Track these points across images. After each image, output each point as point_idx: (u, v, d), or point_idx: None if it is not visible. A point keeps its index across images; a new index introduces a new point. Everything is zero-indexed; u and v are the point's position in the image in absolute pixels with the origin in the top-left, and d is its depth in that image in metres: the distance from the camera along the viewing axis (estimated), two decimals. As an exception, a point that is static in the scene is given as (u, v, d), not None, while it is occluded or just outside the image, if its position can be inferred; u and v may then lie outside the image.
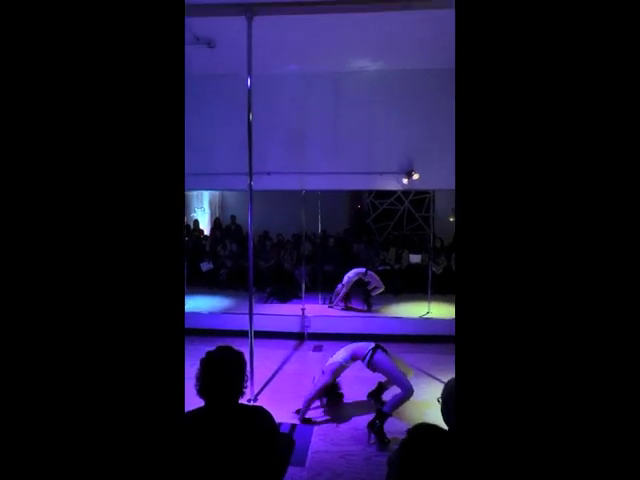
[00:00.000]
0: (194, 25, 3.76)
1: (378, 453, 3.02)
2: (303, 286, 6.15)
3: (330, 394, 3.65)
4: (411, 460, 1.18)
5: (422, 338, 5.31)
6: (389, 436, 3.15)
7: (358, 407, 3.70)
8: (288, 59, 4.87)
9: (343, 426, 3.38)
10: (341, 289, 6.10)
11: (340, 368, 3.52)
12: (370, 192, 7.96)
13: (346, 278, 6.08)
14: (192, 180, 5.30)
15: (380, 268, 7.19)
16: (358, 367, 3.62)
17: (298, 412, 3.49)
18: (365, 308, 6.13)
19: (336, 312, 6.04)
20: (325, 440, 3.19)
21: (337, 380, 3.64)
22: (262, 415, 1.68)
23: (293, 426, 3.37)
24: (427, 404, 3.67)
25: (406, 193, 7.69)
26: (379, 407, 3.35)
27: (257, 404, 3.68)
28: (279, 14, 3.40)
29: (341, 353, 3.56)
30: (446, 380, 1.60)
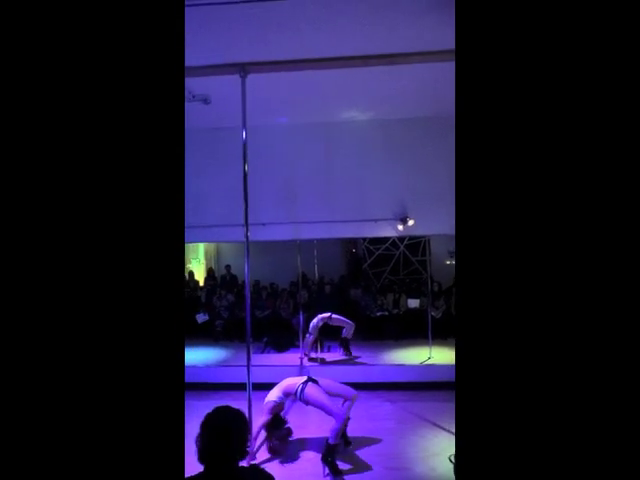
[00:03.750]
0: (190, 84, 3.91)
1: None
2: (301, 335, 6.04)
3: (276, 431, 3.63)
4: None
5: (425, 385, 5.16)
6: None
7: (306, 443, 3.69)
8: (279, 111, 5.03)
9: (347, 484, 3.21)
10: (309, 338, 5.95)
11: (276, 406, 3.59)
12: (365, 238, 8.00)
13: (311, 325, 5.93)
14: (188, 233, 5.32)
15: (378, 314, 7.11)
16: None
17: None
18: (344, 357, 5.94)
19: (335, 361, 5.90)
20: (329, 501, 3.02)
21: (284, 417, 3.69)
22: (262, 478, 1.59)
23: (295, 486, 3.20)
24: (436, 458, 3.52)
25: (401, 238, 7.73)
26: (326, 441, 3.42)
27: (257, 462, 3.52)
28: (271, 72, 3.55)
29: (275, 391, 3.66)
30: (454, 431, 1.54)
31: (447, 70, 3.60)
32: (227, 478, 1.51)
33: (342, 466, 3.41)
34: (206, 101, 3.99)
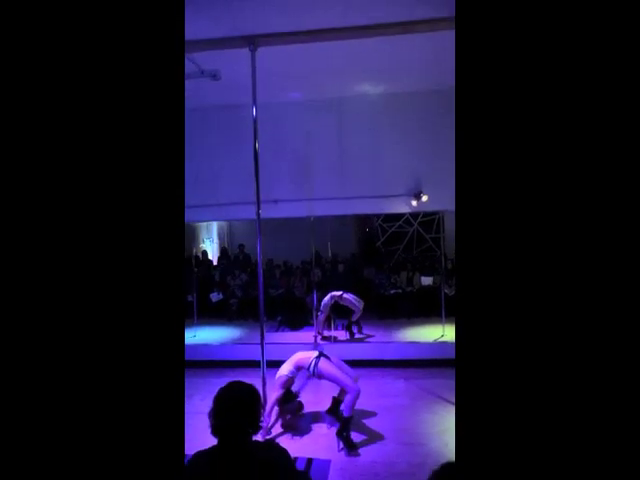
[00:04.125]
0: (199, 59, 3.84)
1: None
2: (314, 313, 6.06)
3: (288, 405, 3.72)
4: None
5: (438, 362, 5.16)
6: (410, 468, 3.07)
7: (320, 417, 3.70)
8: (291, 87, 4.94)
9: (362, 459, 3.24)
10: (320, 316, 5.94)
11: (288, 380, 3.66)
12: (378, 215, 7.93)
13: (322, 303, 5.91)
14: (200, 211, 5.33)
15: (392, 292, 7.09)
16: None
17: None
18: (347, 337, 5.95)
19: (349, 339, 5.92)
20: (343, 476, 3.05)
21: (296, 390, 3.81)
22: (277, 452, 1.59)
23: (309, 460, 3.24)
24: (448, 433, 3.53)
25: (415, 215, 7.64)
26: (340, 415, 3.47)
27: (271, 437, 3.58)
28: (281, 44, 3.45)
29: (287, 365, 3.70)
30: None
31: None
32: (240, 451, 1.52)
33: (357, 441, 3.44)
34: (215, 77, 3.92)
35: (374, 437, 3.55)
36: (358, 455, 3.28)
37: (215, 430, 1.51)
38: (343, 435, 3.36)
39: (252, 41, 3.35)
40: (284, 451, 1.60)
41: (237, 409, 1.50)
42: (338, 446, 3.36)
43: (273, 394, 3.62)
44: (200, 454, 1.54)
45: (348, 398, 3.41)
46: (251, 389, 1.57)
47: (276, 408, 3.70)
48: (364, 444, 3.43)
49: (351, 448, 3.31)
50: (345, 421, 3.38)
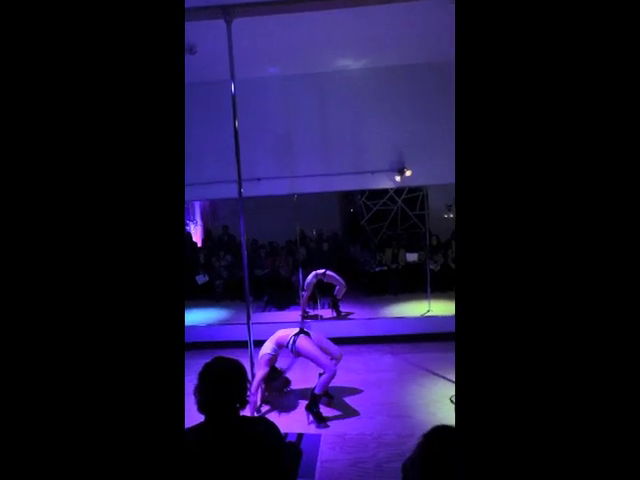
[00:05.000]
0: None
1: (389, 459, 2.92)
2: (300, 292, 6.06)
3: (275, 382, 3.80)
4: (434, 464, 1.10)
5: (424, 337, 5.23)
6: (399, 439, 3.13)
7: (308, 394, 3.69)
8: (270, 62, 4.82)
9: (351, 432, 3.28)
10: (303, 295, 5.95)
11: (272, 358, 3.71)
12: (362, 193, 7.90)
13: (306, 282, 5.92)
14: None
15: (377, 269, 7.11)
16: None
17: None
18: (334, 315, 5.97)
19: (335, 316, 5.94)
20: (334, 448, 3.09)
21: (282, 367, 3.90)
22: (266, 427, 1.59)
23: (300, 435, 3.27)
24: (435, 404, 3.59)
25: (399, 192, 7.63)
26: (311, 390, 3.52)
27: (260, 415, 3.60)
28: (258, 14, 3.34)
29: (269, 343, 3.74)
30: (454, 377, 1.53)
31: (445, 12, 3.41)
32: (229, 426, 1.51)
33: (346, 415, 3.49)
34: (191, 51, 3.79)
35: (363, 411, 3.59)
36: (327, 427, 3.35)
37: (202, 407, 1.50)
38: (313, 410, 3.44)
39: (227, 11, 3.22)
40: (273, 425, 1.60)
41: (223, 384, 1.48)
42: (308, 419, 3.44)
43: (259, 372, 3.64)
44: (189, 431, 1.53)
45: (323, 377, 3.46)
46: (236, 364, 1.55)
47: (263, 385, 3.71)
48: (353, 417, 3.47)
49: (321, 421, 3.40)
50: (314, 397, 3.46)
